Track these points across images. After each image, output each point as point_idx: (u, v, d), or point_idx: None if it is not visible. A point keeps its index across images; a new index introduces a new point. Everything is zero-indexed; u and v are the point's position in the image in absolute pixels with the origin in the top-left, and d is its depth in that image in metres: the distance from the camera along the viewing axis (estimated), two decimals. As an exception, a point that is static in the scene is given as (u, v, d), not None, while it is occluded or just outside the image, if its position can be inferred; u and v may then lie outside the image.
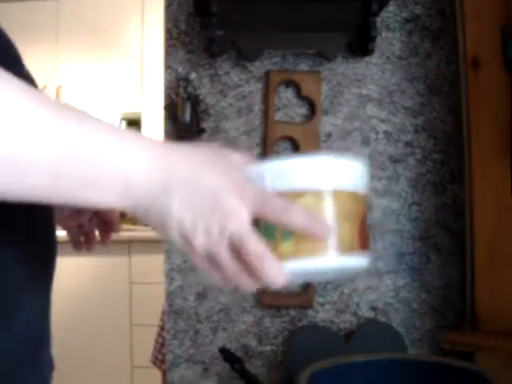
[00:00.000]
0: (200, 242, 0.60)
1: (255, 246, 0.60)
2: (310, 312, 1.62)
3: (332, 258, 0.63)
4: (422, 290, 1.61)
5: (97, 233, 0.99)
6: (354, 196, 0.65)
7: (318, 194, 0.63)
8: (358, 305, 1.62)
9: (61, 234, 0.88)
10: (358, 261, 0.66)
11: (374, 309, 1.62)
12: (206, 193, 0.59)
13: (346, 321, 1.62)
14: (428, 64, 1.62)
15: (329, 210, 0.64)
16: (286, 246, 0.62)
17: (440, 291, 1.61)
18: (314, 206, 0.63)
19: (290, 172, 0.63)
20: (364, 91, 1.63)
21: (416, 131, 1.62)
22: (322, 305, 1.62)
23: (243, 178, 0.62)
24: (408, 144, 1.62)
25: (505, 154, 1.37)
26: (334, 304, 1.62)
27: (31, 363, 0.74)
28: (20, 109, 0.53)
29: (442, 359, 1.35)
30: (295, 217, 0.61)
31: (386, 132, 1.62)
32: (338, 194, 0.64)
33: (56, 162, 0.55)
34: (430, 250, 1.62)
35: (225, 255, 0.60)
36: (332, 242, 0.63)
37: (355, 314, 1.62)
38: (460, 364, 1.28)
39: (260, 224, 0.61)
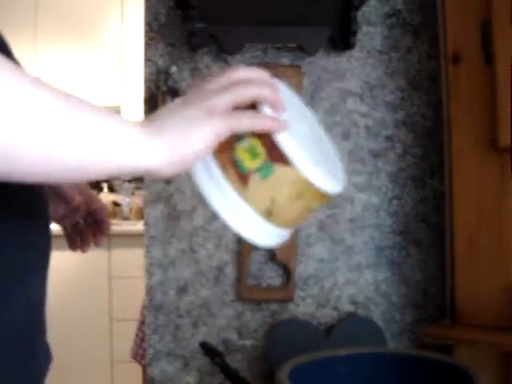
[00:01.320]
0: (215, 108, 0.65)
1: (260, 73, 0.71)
2: (291, 306, 1.62)
3: (259, 220, 0.67)
4: (402, 283, 1.62)
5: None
6: (307, 186, 0.68)
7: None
8: (338, 299, 1.63)
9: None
10: (279, 235, 0.71)
11: (354, 303, 1.63)
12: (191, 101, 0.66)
13: (327, 315, 1.63)
14: (409, 59, 1.63)
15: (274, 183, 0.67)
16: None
17: (420, 285, 1.62)
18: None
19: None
20: (345, 85, 1.63)
21: (396, 126, 1.63)
22: (303, 299, 1.62)
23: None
24: (388, 138, 1.63)
25: (485, 148, 1.38)
26: (314, 298, 1.63)
27: (28, 351, 0.75)
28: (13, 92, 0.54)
29: (422, 353, 1.36)
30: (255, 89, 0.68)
31: (366, 126, 1.62)
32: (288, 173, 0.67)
33: (52, 147, 0.56)
34: (409, 244, 1.62)
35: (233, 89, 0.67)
36: (268, 209, 0.67)
37: (336, 308, 1.63)
38: (440, 357, 1.28)
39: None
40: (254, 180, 0.65)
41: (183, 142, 0.62)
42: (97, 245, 1.01)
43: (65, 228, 1.00)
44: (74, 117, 0.57)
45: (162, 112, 0.65)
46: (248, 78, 0.69)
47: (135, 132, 0.61)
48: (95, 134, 0.58)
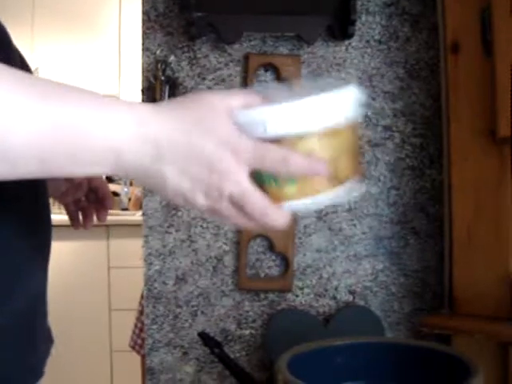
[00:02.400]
0: (200, 202, 0.60)
1: (256, 204, 0.60)
2: (289, 296, 1.62)
3: (332, 193, 0.64)
4: (401, 273, 1.62)
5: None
6: (352, 128, 0.65)
7: (318, 135, 0.62)
8: (336, 289, 1.63)
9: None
10: (355, 188, 0.67)
11: (352, 292, 1.63)
12: (201, 157, 0.58)
13: (325, 305, 1.63)
14: (408, 48, 1.62)
15: (330, 149, 0.63)
16: (290, 190, 0.63)
17: (418, 275, 1.62)
18: (316, 146, 0.63)
19: (291, 115, 0.61)
20: (343, 75, 1.62)
21: (395, 115, 1.62)
22: (301, 289, 1.63)
23: (235, 128, 0.60)
24: (387, 128, 1.62)
25: (483, 138, 1.38)
26: (312, 288, 1.63)
27: (29, 343, 0.75)
28: None
29: (420, 342, 1.37)
30: (295, 166, 0.61)
31: (365, 116, 1.62)
32: (337, 131, 0.63)
33: (40, 142, 0.54)
34: (408, 234, 1.62)
35: (227, 211, 0.61)
36: (332, 177, 0.64)
37: (334, 297, 1.63)
38: (438, 347, 1.29)
39: (262, 172, 0.62)
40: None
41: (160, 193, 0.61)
42: (100, 220, 1.00)
43: (66, 205, 1.00)
44: (60, 112, 0.55)
45: (174, 163, 0.59)
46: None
47: (131, 157, 0.58)
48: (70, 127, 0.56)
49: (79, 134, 0.56)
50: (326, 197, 0.64)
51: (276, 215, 0.62)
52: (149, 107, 0.60)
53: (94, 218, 1.01)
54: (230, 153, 0.59)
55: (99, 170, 0.58)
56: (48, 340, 0.84)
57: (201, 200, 0.60)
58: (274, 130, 0.61)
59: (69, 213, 1.01)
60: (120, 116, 0.57)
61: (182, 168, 0.58)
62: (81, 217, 1.01)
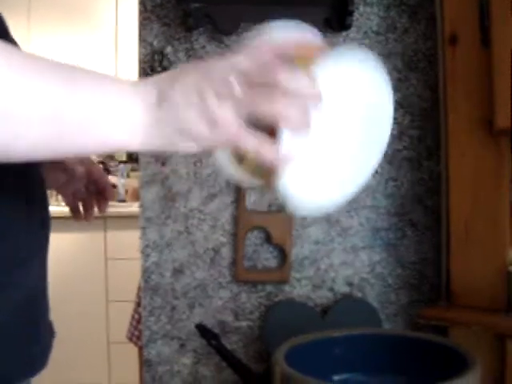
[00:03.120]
0: (216, 107, 0.58)
1: (265, 69, 0.58)
2: (287, 287, 1.62)
3: None
4: (398, 265, 1.62)
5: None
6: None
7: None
8: (333, 280, 1.63)
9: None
10: None
11: (349, 284, 1.63)
12: (193, 73, 0.59)
13: (323, 296, 1.63)
14: (405, 39, 1.62)
15: None
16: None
17: (415, 266, 1.62)
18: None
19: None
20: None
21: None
22: (299, 280, 1.63)
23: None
24: (385, 120, 1.62)
25: (481, 130, 1.37)
26: (310, 279, 1.63)
27: (31, 336, 0.75)
28: (9, 68, 0.53)
29: (417, 334, 1.37)
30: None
31: (363, 108, 1.61)
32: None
33: (51, 113, 0.55)
34: (405, 226, 1.62)
35: (246, 94, 0.58)
36: None
37: (331, 289, 1.63)
38: (435, 339, 1.29)
39: None
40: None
41: (176, 141, 0.60)
42: (101, 211, 1.00)
43: (66, 197, 1.00)
44: (69, 97, 0.56)
45: (174, 91, 0.59)
46: (286, 81, 0.58)
47: (138, 113, 0.59)
48: (91, 112, 0.57)
49: (91, 101, 0.58)
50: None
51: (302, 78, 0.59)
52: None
53: (95, 209, 1.00)
54: (227, 63, 0.59)
55: (115, 134, 0.59)
56: (50, 333, 0.84)
57: (215, 103, 0.57)
58: None
59: (69, 204, 1.00)
60: (125, 85, 0.62)
61: (181, 92, 0.59)
62: (81, 208, 1.01)
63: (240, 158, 0.64)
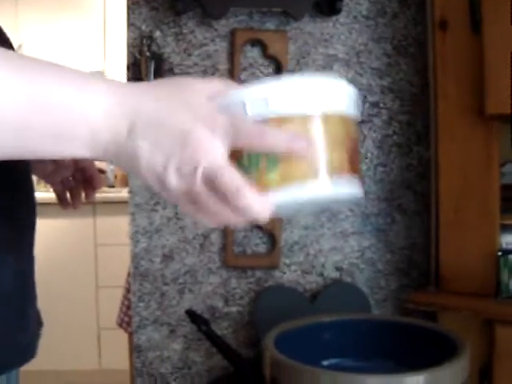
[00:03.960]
0: (173, 181, 0.57)
1: (230, 179, 0.55)
2: (276, 273, 1.63)
3: (322, 183, 0.59)
4: (387, 250, 1.63)
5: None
6: (343, 119, 0.61)
7: (304, 119, 0.58)
8: (323, 265, 1.63)
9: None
10: (349, 186, 0.61)
11: (339, 269, 1.63)
12: (174, 131, 0.56)
13: (312, 281, 1.63)
14: (395, 24, 1.61)
15: (317, 135, 0.58)
16: (272, 175, 0.57)
17: (405, 252, 1.63)
18: (302, 131, 0.58)
19: (273, 96, 0.58)
20: (331, 51, 1.61)
21: (382, 92, 1.61)
22: (288, 266, 1.63)
23: (213, 108, 0.57)
24: (374, 105, 1.62)
25: (471, 115, 1.37)
26: (299, 265, 1.63)
27: (19, 315, 0.75)
28: None
29: (407, 319, 1.38)
30: (274, 139, 0.57)
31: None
32: (326, 118, 0.59)
33: (14, 117, 0.53)
34: (395, 211, 1.63)
35: (201, 192, 0.57)
36: (321, 166, 0.58)
37: (321, 274, 1.63)
38: (424, 324, 1.30)
39: (243, 158, 0.57)
40: None
41: (133, 171, 0.59)
42: (88, 200, 0.99)
43: (54, 185, 0.99)
44: (34, 87, 0.54)
45: (148, 134, 0.57)
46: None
47: (103, 141, 0.57)
48: (54, 127, 0.55)
49: (54, 109, 0.55)
50: (313, 188, 0.58)
51: (252, 197, 0.56)
52: (126, 85, 0.59)
53: (83, 197, 1.00)
54: (204, 127, 0.56)
55: (75, 148, 0.57)
56: (38, 322, 0.84)
57: (173, 178, 0.56)
58: (253, 112, 0.57)
59: (56, 193, 1.00)
60: (96, 92, 0.56)
61: (154, 141, 0.56)
62: (69, 196, 1.00)
63: None
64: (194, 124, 0.56)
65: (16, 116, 0.53)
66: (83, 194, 0.98)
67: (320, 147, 0.59)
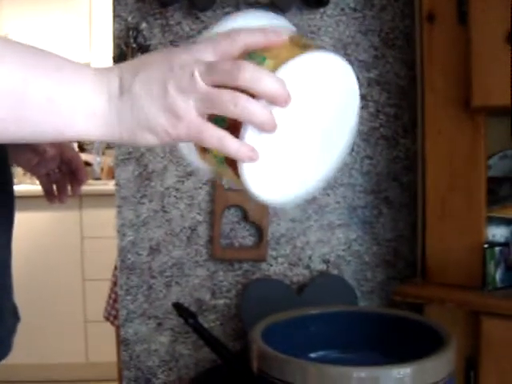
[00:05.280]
0: (180, 103, 0.56)
1: (225, 65, 0.56)
2: (263, 265, 1.63)
3: (302, 57, 0.61)
4: (374, 242, 1.63)
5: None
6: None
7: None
8: (310, 258, 1.63)
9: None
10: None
11: (326, 262, 1.64)
12: (158, 61, 0.58)
13: (299, 274, 1.63)
14: (383, 17, 1.61)
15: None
16: (269, 63, 0.60)
17: (391, 244, 1.63)
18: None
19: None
20: (318, 43, 1.61)
21: (369, 84, 1.61)
22: (275, 258, 1.63)
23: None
24: (361, 97, 1.61)
25: (458, 108, 1.38)
26: (286, 257, 1.63)
27: None
28: None
29: (393, 311, 1.38)
30: (251, 36, 0.59)
31: (339, 85, 1.61)
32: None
33: (9, 97, 0.54)
34: (381, 204, 1.63)
35: (209, 91, 0.56)
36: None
37: (308, 267, 1.63)
38: (410, 316, 1.30)
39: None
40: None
41: (137, 133, 0.58)
42: (74, 193, 0.99)
43: (39, 178, 0.98)
44: (29, 82, 0.55)
45: (136, 82, 0.58)
46: (251, 81, 0.56)
47: (99, 103, 0.57)
48: (51, 98, 0.56)
49: (55, 86, 0.56)
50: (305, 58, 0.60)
51: (235, 141, 0.58)
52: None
53: (69, 190, 0.99)
54: (184, 52, 0.58)
55: (76, 123, 0.57)
56: (14, 316, 0.83)
57: (179, 99, 0.56)
58: None
59: (43, 186, 0.99)
60: (83, 67, 0.59)
61: (145, 80, 0.57)
62: (55, 189, 0.99)
63: (203, 148, 0.63)
64: (174, 52, 0.58)
65: (9, 99, 0.54)
66: (69, 188, 0.98)
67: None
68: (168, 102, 0.56)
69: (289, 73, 0.59)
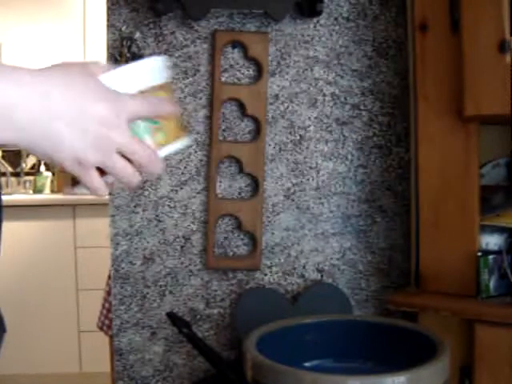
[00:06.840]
0: (93, 159, 0.64)
1: (144, 151, 0.67)
2: (258, 274, 1.62)
3: (186, 140, 0.75)
4: (368, 251, 1.63)
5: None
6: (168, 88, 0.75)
7: (166, 87, 0.73)
8: (304, 267, 1.63)
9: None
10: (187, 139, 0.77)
11: (320, 271, 1.64)
12: (90, 115, 0.63)
13: (293, 283, 1.63)
14: (376, 26, 1.62)
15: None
16: (161, 137, 0.72)
17: (385, 253, 1.63)
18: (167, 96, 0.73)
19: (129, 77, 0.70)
20: (311, 53, 1.61)
21: (363, 94, 1.62)
22: (269, 267, 1.63)
23: (109, 89, 0.66)
24: (355, 106, 1.62)
25: (450, 117, 1.38)
26: (280, 266, 1.63)
27: None
28: None
29: (388, 320, 1.38)
30: (164, 108, 0.70)
31: (332, 94, 1.62)
32: (162, 87, 0.73)
33: None
34: (375, 213, 1.63)
35: (118, 163, 0.66)
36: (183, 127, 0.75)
37: (302, 276, 1.63)
38: (404, 324, 1.30)
39: (136, 126, 0.69)
40: None
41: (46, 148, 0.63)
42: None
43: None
44: None
45: (65, 88, 0.63)
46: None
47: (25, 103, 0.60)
48: None
49: None
50: (184, 144, 0.75)
51: (158, 159, 0.69)
52: (38, 69, 0.65)
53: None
54: (112, 108, 0.64)
55: None
56: (1, 327, 0.82)
57: (92, 155, 0.63)
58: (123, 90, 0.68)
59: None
60: (16, 73, 0.60)
61: (75, 125, 0.62)
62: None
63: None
64: (104, 107, 0.64)
65: None
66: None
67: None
68: (80, 154, 0.64)
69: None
